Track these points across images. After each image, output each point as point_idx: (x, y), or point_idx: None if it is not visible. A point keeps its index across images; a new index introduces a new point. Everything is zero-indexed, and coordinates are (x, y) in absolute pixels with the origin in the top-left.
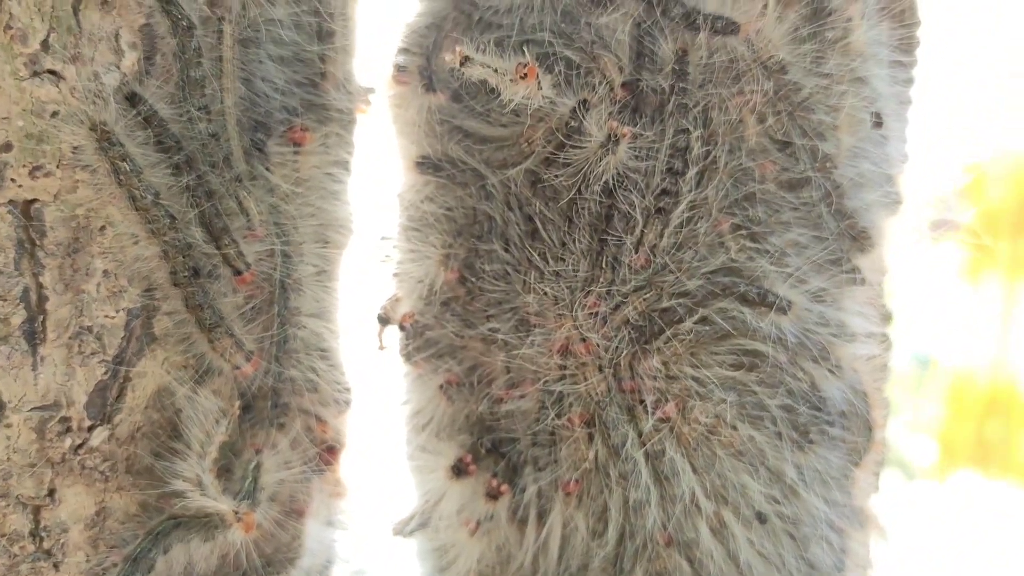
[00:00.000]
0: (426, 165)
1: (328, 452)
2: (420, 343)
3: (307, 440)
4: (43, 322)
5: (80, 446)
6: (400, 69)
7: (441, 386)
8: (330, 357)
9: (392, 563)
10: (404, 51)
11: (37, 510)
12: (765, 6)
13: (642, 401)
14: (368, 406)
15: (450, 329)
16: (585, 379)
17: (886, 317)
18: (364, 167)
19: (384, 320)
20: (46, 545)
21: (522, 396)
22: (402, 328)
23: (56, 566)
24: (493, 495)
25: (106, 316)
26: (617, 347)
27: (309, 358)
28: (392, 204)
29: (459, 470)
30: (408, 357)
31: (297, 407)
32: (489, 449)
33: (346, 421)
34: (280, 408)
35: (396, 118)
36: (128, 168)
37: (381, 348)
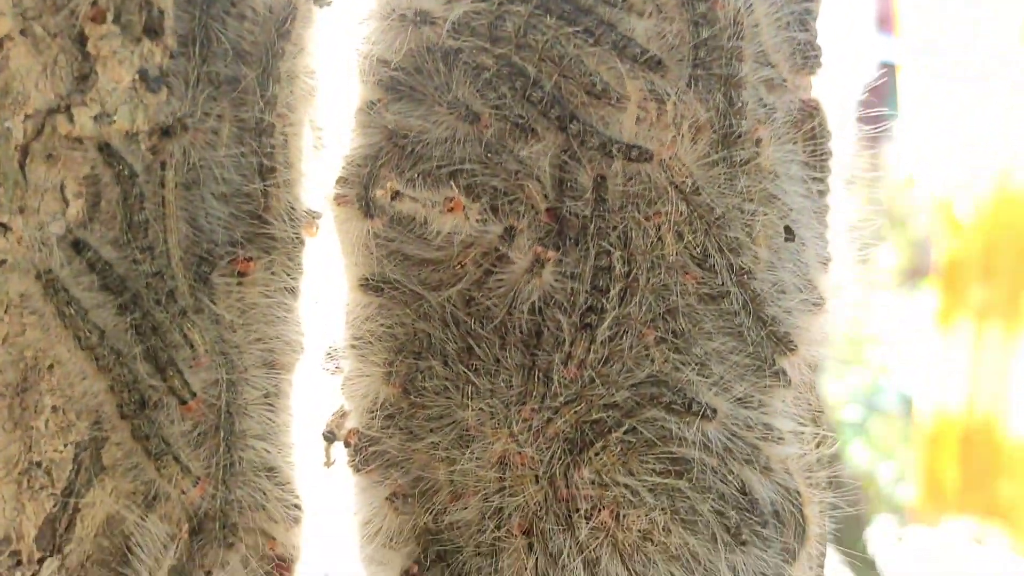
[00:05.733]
0: (368, 286)
1: (281, 565)
2: (367, 456)
3: (257, 558)
4: None
5: None
6: (340, 196)
7: (388, 497)
8: (278, 476)
9: None
10: (343, 180)
11: None
12: (677, 133)
13: (578, 510)
14: (319, 519)
15: (395, 442)
16: (522, 490)
17: (817, 414)
18: (314, 286)
19: (330, 437)
20: None
21: (464, 507)
22: (347, 444)
23: None
24: None
25: (55, 451)
26: (551, 458)
27: (256, 479)
28: (340, 321)
29: None
30: (356, 470)
31: (245, 526)
32: (434, 560)
33: (297, 535)
34: (229, 528)
35: (340, 240)
36: (73, 312)
37: (328, 464)
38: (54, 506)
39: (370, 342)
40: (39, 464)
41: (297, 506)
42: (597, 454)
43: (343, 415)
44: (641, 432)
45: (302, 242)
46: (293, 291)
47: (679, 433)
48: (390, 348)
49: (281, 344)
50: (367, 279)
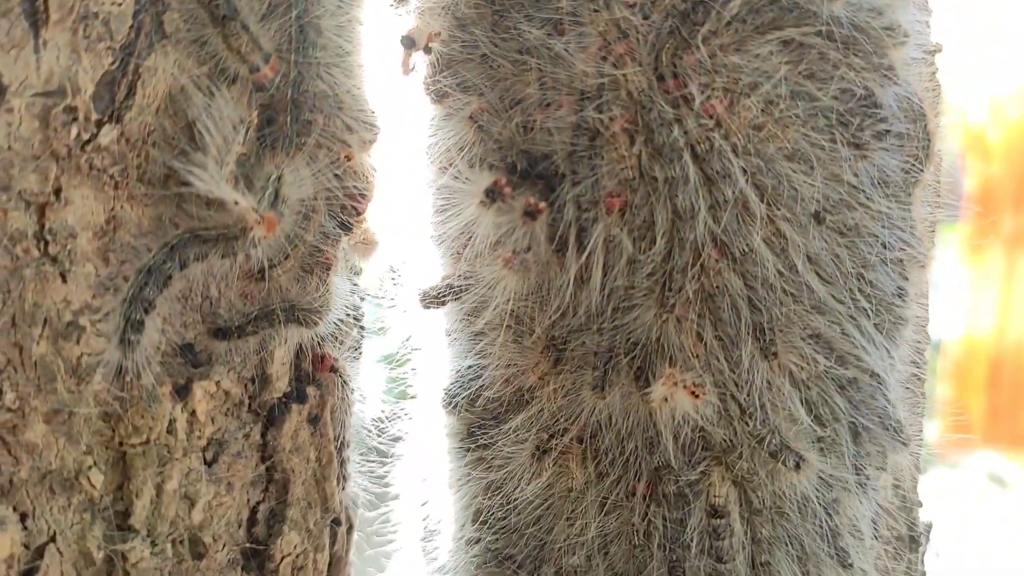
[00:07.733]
0: None
1: (355, 201)
2: (447, 74)
3: (330, 164)
4: (45, 1)
5: (88, 142)
6: None
7: (471, 116)
8: (353, 78)
9: (421, 324)
10: None
11: (42, 209)
12: None
13: (686, 98)
14: (394, 150)
15: (479, 51)
16: (625, 76)
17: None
18: None
19: (409, 42)
20: (52, 250)
21: (558, 108)
22: (427, 51)
23: (63, 276)
24: (531, 213)
25: (113, 3)
26: (658, 39)
27: (330, 74)
28: None
29: (493, 194)
30: (433, 90)
31: (320, 126)
32: (523, 172)
33: (371, 162)
34: (302, 124)
35: None
36: None
37: (406, 73)
38: (112, 63)
39: None
40: (96, 14)
41: (373, 114)
42: (712, 33)
43: (422, 30)
44: (760, 9)
45: None
46: None
47: (804, 6)
48: None
49: None
50: None
